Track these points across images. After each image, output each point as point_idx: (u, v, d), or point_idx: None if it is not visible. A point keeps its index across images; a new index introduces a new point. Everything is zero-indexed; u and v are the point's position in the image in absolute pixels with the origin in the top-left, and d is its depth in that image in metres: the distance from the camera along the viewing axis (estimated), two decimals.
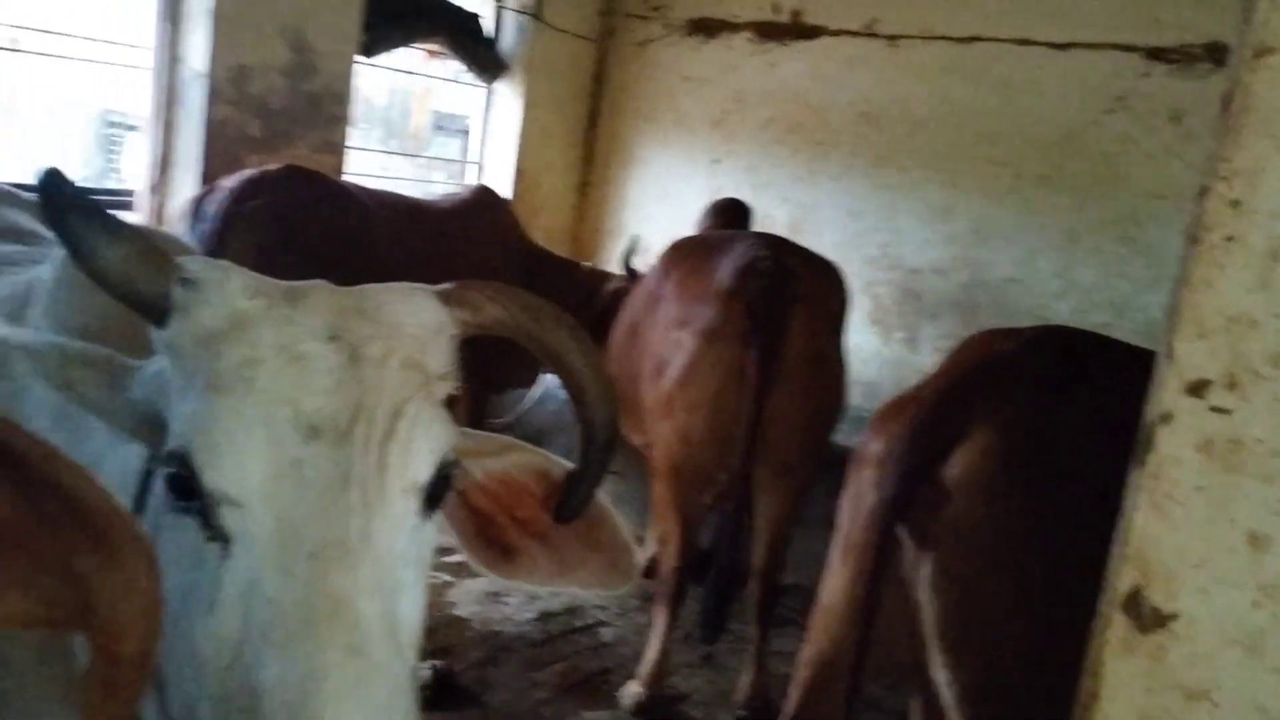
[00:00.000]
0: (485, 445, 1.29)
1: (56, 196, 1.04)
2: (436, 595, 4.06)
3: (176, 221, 4.52)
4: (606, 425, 1.24)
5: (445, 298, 1.19)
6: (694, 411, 3.46)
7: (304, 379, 1.04)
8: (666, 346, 3.60)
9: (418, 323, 1.15)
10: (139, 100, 5.11)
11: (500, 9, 6.45)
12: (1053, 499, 2.00)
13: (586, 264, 5.48)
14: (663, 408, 3.57)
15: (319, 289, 1.14)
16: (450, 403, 1.20)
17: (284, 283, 1.14)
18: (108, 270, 1.05)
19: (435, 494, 1.12)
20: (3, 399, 1.42)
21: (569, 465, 1.30)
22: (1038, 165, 5.30)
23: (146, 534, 0.89)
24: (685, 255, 3.93)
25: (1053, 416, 2.14)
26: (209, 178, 4.71)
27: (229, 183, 4.24)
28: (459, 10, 6.13)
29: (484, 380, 4.56)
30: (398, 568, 1.05)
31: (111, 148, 6.97)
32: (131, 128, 5.65)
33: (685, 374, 3.50)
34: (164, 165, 5.04)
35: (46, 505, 0.84)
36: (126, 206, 5.02)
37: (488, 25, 6.41)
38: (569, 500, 1.28)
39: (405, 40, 5.86)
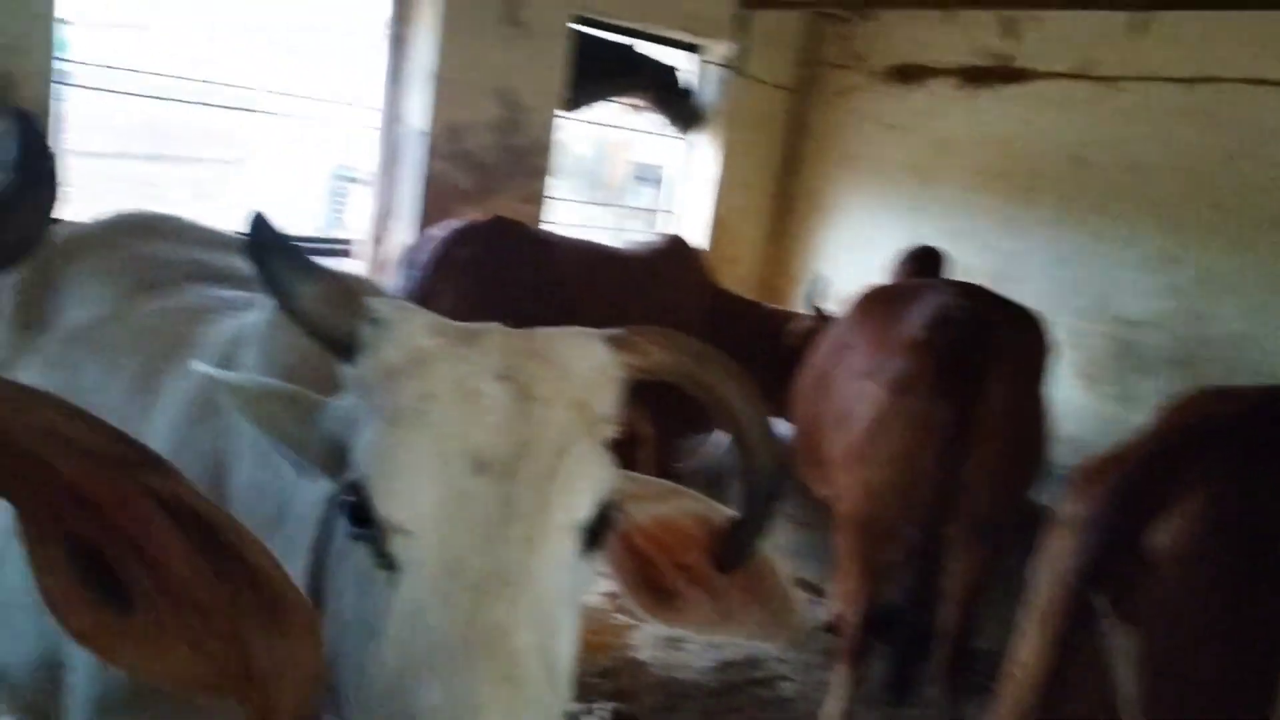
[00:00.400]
0: (648, 489, 1.30)
1: (260, 240, 1.14)
2: (616, 637, 4.10)
3: (392, 268, 4.83)
4: (770, 475, 1.23)
5: (613, 342, 1.21)
6: (881, 465, 3.37)
7: (475, 415, 1.08)
8: (853, 397, 3.52)
9: (585, 365, 1.18)
10: (366, 156, 5.51)
11: (704, 63, 6.58)
12: (1271, 575, 1.82)
13: (772, 305, 5.47)
14: (848, 460, 3.49)
15: (494, 330, 1.19)
16: (617, 445, 1.22)
17: (462, 324, 1.20)
18: (303, 309, 1.14)
19: (595, 534, 1.14)
20: (215, 436, 1.56)
21: (732, 513, 1.29)
22: (1271, 211, 4.88)
23: (314, 610, 0.95)
24: (876, 303, 3.85)
25: (1274, 486, 1.95)
26: (423, 228, 5.02)
27: (439, 232, 4.52)
28: (657, 65, 6.31)
29: (670, 425, 4.60)
30: (555, 603, 1.07)
31: (340, 201, 7.53)
32: (357, 181, 6.08)
33: (873, 426, 3.41)
34: (384, 216, 5.41)
35: (228, 570, 0.89)
36: (346, 255, 5.41)
37: (687, 78, 6.56)
38: (731, 549, 1.28)
39: (606, 95, 6.08)
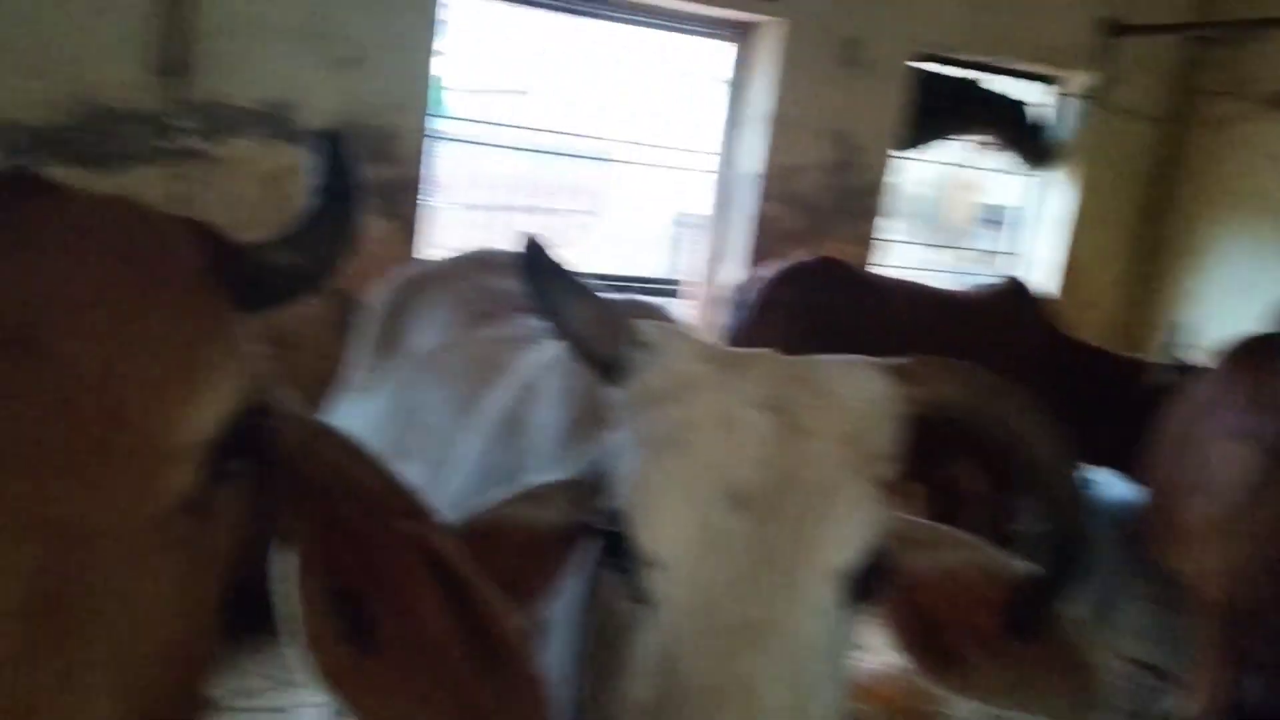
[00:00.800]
0: (929, 536, 1.18)
1: (533, 264, 1.16)
2: (930, 704, 3.84)
3: (721, 308, 4.92)
4: (1073, 531, 1.08)
5: (894, 372, 1.12)
6: (1252, 542, 2.91)
7: (736, 446, 1.03)
8: (1222, 460, 3.08)
9: (860, 397, 1.09)
10: (703, 201, 5.67)
11: (1061, 95, 6.16)
12: None
13: (1125, 354, 4.94)
14: (1213, 533, 3.05)
15: (765, 357, 1.14)
16: (939, 500, 1.12)
17: (732, 350, 1.16)
18: (572, 330, 1.15)
19: (865, 584, 1.05)
20: (517, 455, 1.62)
21: (1031, 569, 1.14)
22: None
23: (548, 687, 0.93)
24: (1255, 355, 3.36)
25: None
26: (754, 267, 5.07)
27: (766, 273, 4.54)
28: (1002, 99, 5.98)
29: (1004, 479, 4.27)
30: (814, 658, 0.99)
31: (679, 244, 7.79)
32: (694, 226, 6.26)
33: (1245, 496, 2.96)
34: (716, 258, 5.53)
35: (473, 632, 0.90)
36: (678, 295, 5.58)
37: (1038, 112, 6.16)
38: (1026, 611, 1.13)
39: (947, 133, 5.85)
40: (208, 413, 0.78)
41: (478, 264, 2.69)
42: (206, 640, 0.84)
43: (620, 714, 1.02)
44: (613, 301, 1.40)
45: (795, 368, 1.12)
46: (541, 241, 1.17)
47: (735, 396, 1.07)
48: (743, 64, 5.36)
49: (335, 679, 0.88)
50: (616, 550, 1.06)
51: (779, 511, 1.00)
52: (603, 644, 1.12)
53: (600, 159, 6.98)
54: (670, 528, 1.01)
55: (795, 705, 0.95)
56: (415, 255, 4.45)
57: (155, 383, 0.75)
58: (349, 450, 0.95)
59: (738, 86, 5.39)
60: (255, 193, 4.00)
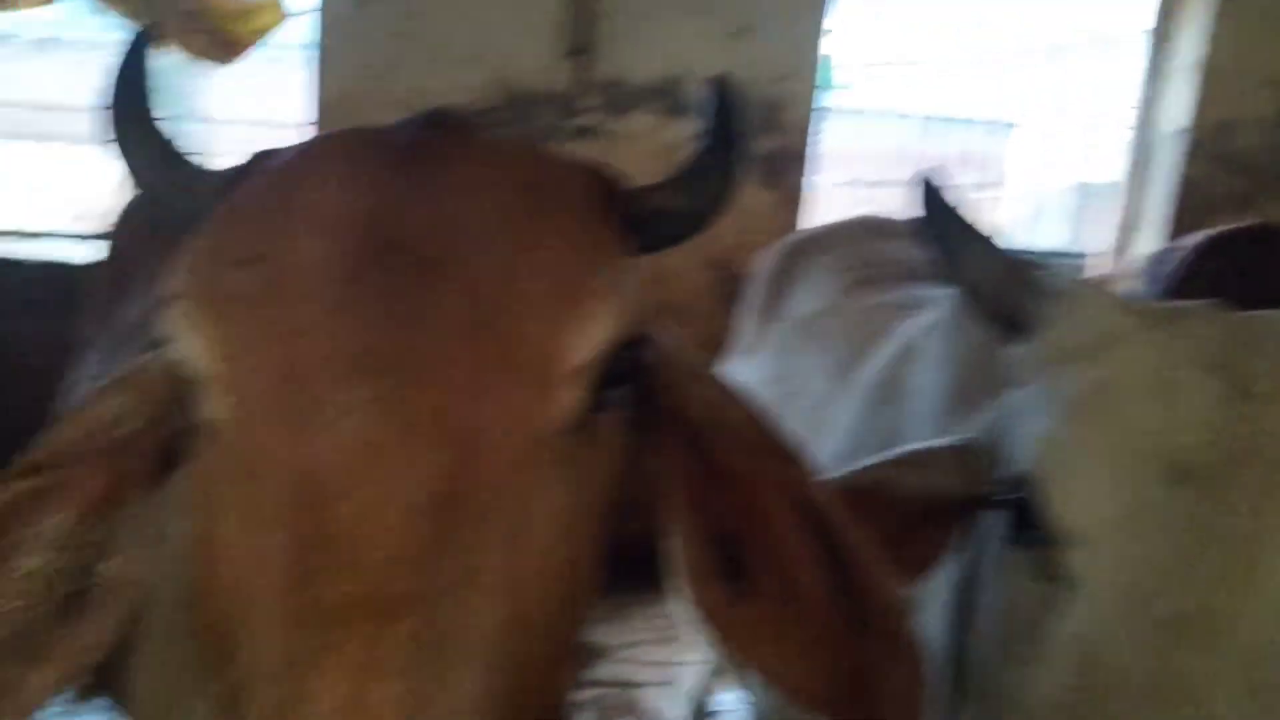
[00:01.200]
0: None
1: (933, 210, 1.08)
2: None
3: (1132, 281, 4.45)
4: None
5: None
6: None
7: (1174, 411, 0.90)
8: None
9: None
10: (1111, 167, 5.18)
11: None
12: None
13: None
14: None
15: (1205, 311, 0.98)
16: None
17: (1162, 304, 1.01)
18: (972, 277, 1.05)
19: None
20: (894, 418, 1.57)
21: None
22: None
23: (927, 654, 0.88)
24: None
25: None
26: (1174, 237, 4.53)
27: (1191, 241, 4.02)
28: None
29: None
30: (1274, 665, 0.84)
31: (1084, 214, 7.22)
32: (1100, 194, 5.75)
33: None
34: (1129, 227, 5.02)
35: (848, 586, 0.87)
36: (1080, 269, 5.13)
37: None
38: None
39: None
40: (594, 338, 0.81)
41: (862, 230, 2.63)
42: (589, 574, 0.87)
43: (1027, 705, 0.93)
44: (1019, 253, 1.28)
45: (1245, 323, 0.96)
46: (940, 184, 1.08)
47: (1170, 355, 0.93)
48: (1169, 8, 4.78)
49: (710, 616, 0.88)
50: (1022, 522, 0.96)
51: (1229, 490, 0.86)
52: (995, 621, 1.03)
53: (999, 125, 6.61)
54: (1093, 500, 0.90)
55: (1251, 718, 0.81)
56: (799, 228, 4.43)
57: (550, 306, 0.79)
58: (727, 392, 0.94)
59: (1162, 34, 4.82)
60: (651, 167, 4.15)
